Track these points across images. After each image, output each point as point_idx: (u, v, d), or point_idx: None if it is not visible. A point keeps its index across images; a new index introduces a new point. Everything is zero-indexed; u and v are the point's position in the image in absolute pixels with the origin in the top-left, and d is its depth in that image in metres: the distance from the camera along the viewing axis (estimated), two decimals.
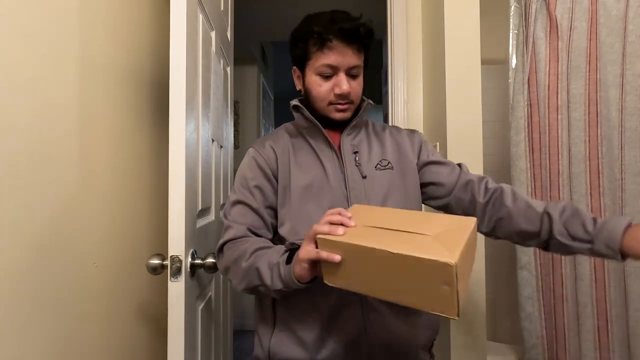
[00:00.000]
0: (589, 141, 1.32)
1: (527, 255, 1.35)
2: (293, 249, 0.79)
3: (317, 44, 0.88)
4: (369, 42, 0.92)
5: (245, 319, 3.34)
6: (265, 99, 3.85)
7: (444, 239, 0.59)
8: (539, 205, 0.86)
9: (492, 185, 0.93)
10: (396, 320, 0.89)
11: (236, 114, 3.33)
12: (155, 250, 1.25)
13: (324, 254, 0.66)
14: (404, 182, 0.94)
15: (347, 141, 0.95)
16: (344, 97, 0.90)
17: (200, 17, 1.11)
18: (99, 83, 0.95)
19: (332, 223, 0.69)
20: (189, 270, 0.95)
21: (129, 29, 1.10)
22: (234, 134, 3.24)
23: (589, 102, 1.32)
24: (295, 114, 0.98)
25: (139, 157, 1.16)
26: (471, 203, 0.93)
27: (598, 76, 1.32)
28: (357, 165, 0.93)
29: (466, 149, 1.39)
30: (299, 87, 0.98)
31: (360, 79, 0.94)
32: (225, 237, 0.88)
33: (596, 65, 1.32)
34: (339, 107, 0.91)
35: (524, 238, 0.88)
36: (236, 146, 3.33)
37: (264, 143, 0.96)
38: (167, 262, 0.92)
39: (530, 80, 1.37)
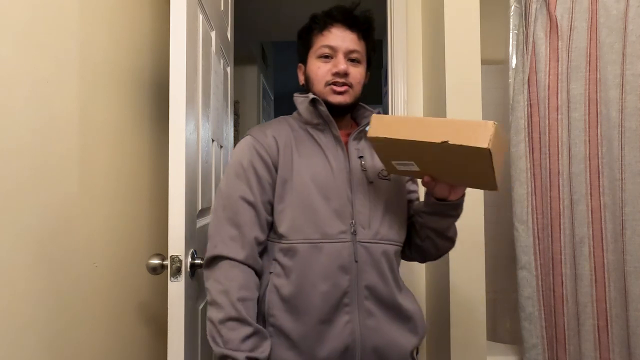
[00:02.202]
0: (589, 141, 1.32)
1: (527, 255, 1.35)
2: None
3: (318, 29, 0.92)
4: (369, 31, 0.95)
5: None
6: (265, 99, 3.85)
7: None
8: None
9: None
10: (390, 326, 0.89)
11: (236, 114, 3.33)
12: (155, 250, 1.25)
13: None
14: (398, 194, 0.96)
15: (353, 145, 0.95)
16: (340, 76, 0.90)
17: (200, 17, 1.11)
18: (99, 83, 0.95)
19: None
20: (188, 270, 0.95)
21: (129, 29, 1.10)
22: (234, 134, 3.23)
23: (589, 102, 1.32)
24: (304, 108, 0.94)
25: (139, 157, 1.16)
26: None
27: (598, 76, 1.31)
28: (363, 170, 0.93)
29: None
30: (302, 81, 0.98)
31: (362, 69, 0.95)
32: (218, 250, 0.84)
33: (596, 65, 1.32)
34: (336, 88, 0.91)
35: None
36: None
37: (264, 131, 0.92)
38: (167, 262, 0.92)
39: (530, 80, 1.37)
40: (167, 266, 0.93)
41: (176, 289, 0.92)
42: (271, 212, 0.89)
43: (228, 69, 1.61)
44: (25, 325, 0.71)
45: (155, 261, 0.94)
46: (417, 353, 0.97)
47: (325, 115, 0.91)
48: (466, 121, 0.70)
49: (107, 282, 0.99)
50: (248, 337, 0.80)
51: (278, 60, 4.80)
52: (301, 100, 0.95)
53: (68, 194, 0.84)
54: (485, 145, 0.66)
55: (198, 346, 1.06)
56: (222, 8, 1.45)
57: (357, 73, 0.93)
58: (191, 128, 0.99)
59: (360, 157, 0.94)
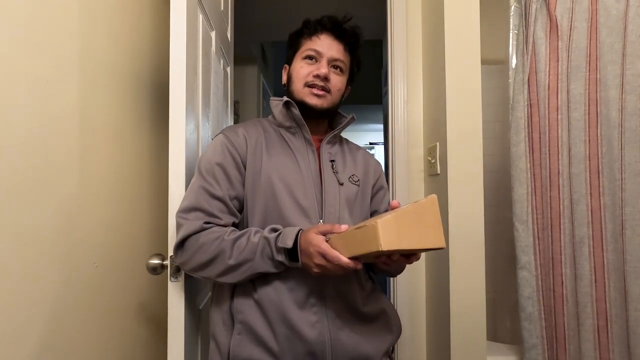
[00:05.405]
0: (589, 141, 1.32)
1: (527, 255, 1.35)
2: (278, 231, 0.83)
3: (308, 33, 0.96)
4: (355, 45, 0.99)
5: None
6: (265, 99, 3.85)
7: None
8: None
9: None
10: (360, 326, 0.90)
11: (236, 114, 3.33)
12: (155, 250, 1.25)
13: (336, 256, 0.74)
14: (363, 200, 0.99)
15: (326, 149, 0.98)
16: (321, 79, 0.93)
17: (200, 17, 1.11)
18: (99, 83, 0.95)
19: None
20: None
21: (129, 29, 1.10)
22: None
23: (589, 102, 1.32)
24: (278, 112, 0.97)
25: (139, 157, 1.16)
26: None
27: (598, 76, 1.31)
28: (334, 173, 0.96)
29: (466, 149, 1.39)
30: (284, 81, 1.02)
31: (344, 78, 0.98)
32: (185, 230, 0.83)
33: (596, 65, 1.32)
34: (315, 91, 0.94)
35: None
36: None
37: (236, 130, 0.95)
38: (167, 262, 0.92)
39: (530, 80, 1.37)
40: (167, 266, 0.93)
41: (176, 289, 0.92)
42: (240, 209, 0.91)
43: (228, 69, 1.61)
44: (25, 325, 0.71)
45: (155, 261, 0.94)
46: (392, 352, 0.98)
47: (298, 118, 0.94)
48: (362, 228, 0.71)
49: (107, 282, 0.99)
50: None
51: (278, 60, 4.80)
52: (276, 104, 0.99)
53: (68, 194, 0.84)
54: (382, 248, 0.67)
55: (198, 346, 1.06)
56: (222, 8, 1.45)
57: (338, 81, 0.96)
58: (191, 128, 0.99)
59: (332, 160, 0.97)
